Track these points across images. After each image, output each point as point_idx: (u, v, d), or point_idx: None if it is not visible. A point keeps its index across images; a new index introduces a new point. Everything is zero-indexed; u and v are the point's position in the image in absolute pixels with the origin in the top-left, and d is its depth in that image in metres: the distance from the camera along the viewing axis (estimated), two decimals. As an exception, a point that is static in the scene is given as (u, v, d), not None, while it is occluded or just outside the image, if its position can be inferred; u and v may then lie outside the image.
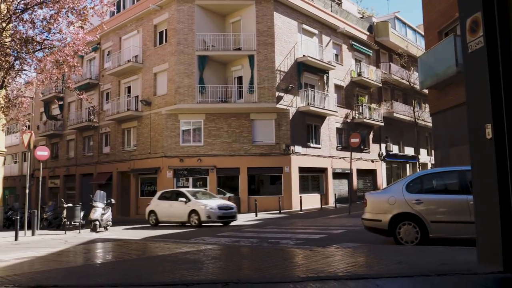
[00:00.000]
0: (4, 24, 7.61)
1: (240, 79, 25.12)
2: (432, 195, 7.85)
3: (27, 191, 14.92)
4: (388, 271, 4.81)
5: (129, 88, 27.94)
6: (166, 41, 25.29)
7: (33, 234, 14.15)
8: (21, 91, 8.73)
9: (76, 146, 32.70)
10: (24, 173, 39.05)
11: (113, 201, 17.62)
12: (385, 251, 6.72)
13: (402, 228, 7.71)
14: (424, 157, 37.26)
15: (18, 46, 7.88)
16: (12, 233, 15.09)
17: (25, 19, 7.98)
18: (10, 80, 8.04)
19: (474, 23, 5.13)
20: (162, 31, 25.85)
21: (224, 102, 24.29)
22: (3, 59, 7.72)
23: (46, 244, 11.15)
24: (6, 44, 7.74)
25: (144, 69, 26.46)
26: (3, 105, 8.66)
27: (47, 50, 8.15)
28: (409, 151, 36.34)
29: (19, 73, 8.12)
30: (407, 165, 36.83)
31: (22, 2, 7.76)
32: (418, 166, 33.18)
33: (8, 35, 7.80)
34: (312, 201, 24.66)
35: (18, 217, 13.49)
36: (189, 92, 23.82)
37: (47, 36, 8.05)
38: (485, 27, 4.83)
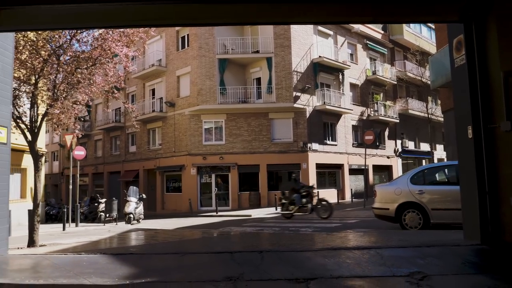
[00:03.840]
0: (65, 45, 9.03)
1: (258, 80, 26.35)
2: (433, 186, 8.96)
3: (71, 187, 16.45)
4: (389, 245, 6.00)
5: (153, 90, 29.45)
6: (188, 46, 26.65)
7: (76, 225, 15.70)
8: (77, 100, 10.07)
9: (103, 145, 34.46)
10: (54, 171, 41.08)
11: (144, 196, 19.05)
12: (391, 233, 7.90)
13: (407, 215, 8.85)
14: (441, 152, 37.88)
15: (75, 63, 9.28)
16: (56, 225, 16.76)
17: (81, 40, 9.37)
18: (67, 95, 9.45)
19: (459, 43, 6.26)
20: (184, 36, 27.21)
21: (244, 102, 25.54)
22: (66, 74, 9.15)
23: (92, 233, 12.60)
24: (65, 62, 9.15)
25: (167, 72, 27.90)
26: (59, 112, 10.03)
27: (98, 65, 9.51)
28: (425, 146, 37.03)
29: (76, 87, 9.48)
30: (423, 161, 37.49)
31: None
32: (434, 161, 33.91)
33: (67, 54, 9.20)
34: (329, 196, 25.50)
35: (65, 211, 15.00)
36: (211, 94, 25.16)
37: (99, 54, 9.40)
38: (466, 47, 5.95)
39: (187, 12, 5.37)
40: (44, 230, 14.25)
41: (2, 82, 6.42)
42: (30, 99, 9.74)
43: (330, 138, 27.80)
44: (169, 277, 4.58)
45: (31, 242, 9.44)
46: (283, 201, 15.19)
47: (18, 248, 8.71)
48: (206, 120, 25.66)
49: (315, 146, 25.89)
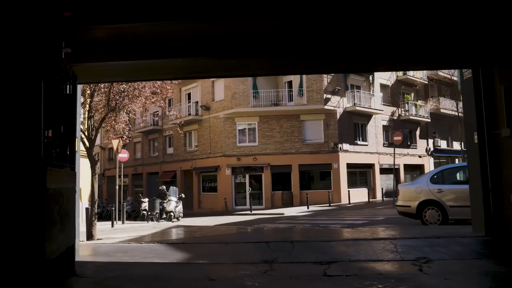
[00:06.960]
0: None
1: (290, 83, 27.26)
2: (451, 186, 9.69)
3: (117, 187, 17.86)
4: (404, 236, 6.85)
5: (189, 94, 30.90)
6: (222, 51, 27.81)
7: (123, 222, 17.14)
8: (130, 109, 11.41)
9: (142, 147, 36.28)
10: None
11: (183, 195, 20.37)
12: (410, 228, 8.70)
13: (427, 212, 9.62)
14: (474, 151, 37.49)
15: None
16: (103, 222, 18.20)
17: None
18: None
19: (467, 58, 7.01)
20: (218, 42, 28.38)
21: (276, 105, 26.52)
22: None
23: (139, 229, 13.90)
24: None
25: (202, 77, 29.21)
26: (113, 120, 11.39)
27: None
28: (458, 145, 36.81)
29: (129, 98, 10.79)
30: (456, 160, 37.26)
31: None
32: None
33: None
34: (360, 195, 26.37)
35: (113, 209, 16.44)
36: (244, 97, 26.29)
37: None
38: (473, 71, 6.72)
39: (227, 65, 6.49)
40: (96, 226, 15.72)
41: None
42: (87, 110, 11.11)
43: (360, 138, 28.36)
44: (216, 260, 5.64)
45: (90, 236, 10.75)
46: None
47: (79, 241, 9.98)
48: (240, 122, 26.79)
49: (346, 146, 26.55)
